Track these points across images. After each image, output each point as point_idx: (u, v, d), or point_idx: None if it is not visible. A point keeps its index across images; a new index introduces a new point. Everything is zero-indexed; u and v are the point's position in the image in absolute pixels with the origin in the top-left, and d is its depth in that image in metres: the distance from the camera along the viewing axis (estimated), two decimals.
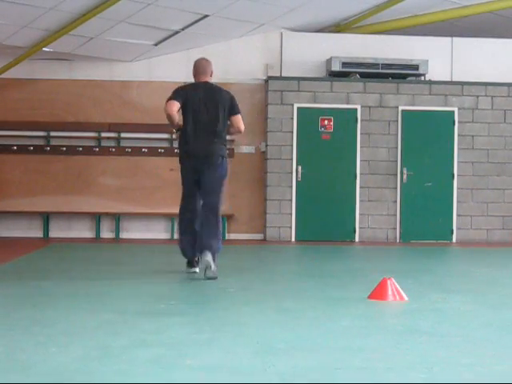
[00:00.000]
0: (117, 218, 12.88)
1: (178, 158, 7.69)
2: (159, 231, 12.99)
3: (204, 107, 7.47)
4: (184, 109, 7.53)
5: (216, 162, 7.40)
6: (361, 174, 12.85)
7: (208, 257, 7.11)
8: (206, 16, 11.50)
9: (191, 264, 7.50)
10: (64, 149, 12.93)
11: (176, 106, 7.50)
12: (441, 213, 12.96)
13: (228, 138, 12.10)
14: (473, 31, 13.48)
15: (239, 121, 7.51)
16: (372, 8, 12.32)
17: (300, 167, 12.74)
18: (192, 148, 7.46)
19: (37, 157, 12.93)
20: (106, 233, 13.01)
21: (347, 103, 12.83)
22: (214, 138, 7.42)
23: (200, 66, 7.64)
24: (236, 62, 13.07)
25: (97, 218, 12.87)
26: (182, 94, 7.56)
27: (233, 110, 7.49)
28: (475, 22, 13.11)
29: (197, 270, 7.44)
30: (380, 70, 12.79)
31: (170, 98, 7.52)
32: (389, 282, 5.95)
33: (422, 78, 13.00)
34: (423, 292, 6.51)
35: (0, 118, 12.87)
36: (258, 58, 13.11)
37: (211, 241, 7.24)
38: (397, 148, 12.89)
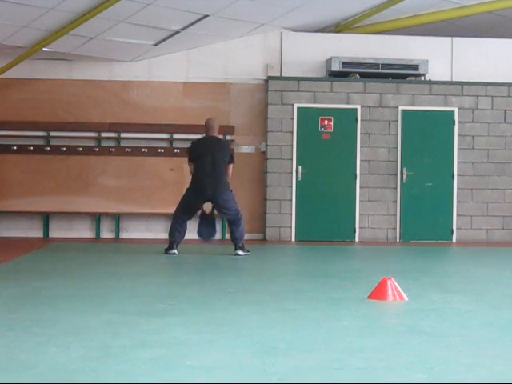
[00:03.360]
0: (117, 217, 12.89)
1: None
2: (159, 231, 12.99)
3: (212, 155, 9.84)
4: (196, 157, 9.96)
5: (222, 191, 9.81)
6: (361, 174, 12.85)
7: (240, 253, 9.75)
8: (206, 16, 11.50)
9: (171, 247, 9.81)
10: (64, 149, 12.93)
11: (193, 166, 10.04)
12: (441, 213, 12.96)
13: (228, 137, 12.85)
14: (473, 31, 13.48)
15: (230, 168, 10.00)
16: (372, 8, 12.32)
17: (300, 167, 12.74)
18: (203, 181, 9.79)
19: (37, 157, 12.92)
20: (106, 233, 13.01)
21: (347, 103, 12.83)
22: (219, 175, 9.80)
23: (209, 125, 10.09)
24: (236, 62, 13.07)
25: (97, 218, 12.88)
26: (194, 150, 10.03)
27: (230, 158, 10.02)
28: (475, 22, 13.11)
29: (175, 251, 9.76)
30: (380, 70, 12.79)
31: (189, 159, 10.07)
32: (389, 282, 5.95)
33: (422, 77, 13.00)
34: (423, 292, 6.51)
35: (0, 118, 12.87)
36: (257, 57, 13.11)
37: (239, 241, 9.82)
38: (397, 148, 12.89)
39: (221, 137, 10.54)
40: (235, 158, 12.85)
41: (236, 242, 9.81)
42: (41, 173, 12.94)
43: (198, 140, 10.21)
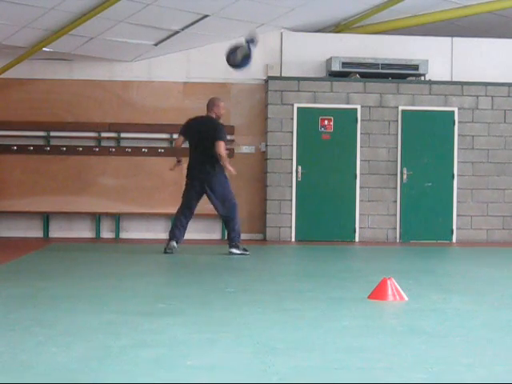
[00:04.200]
0: (117, 217, 12.89)
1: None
2: (159, 231, 12.99)
3: (199, 137, 9.59)
4: (188, 141, 9.78)
5: (211, 179, 9.52)
6: (361, 174, 12.85)
7: (234, 252, 9.65)
8: (206, 16, 11.50)
9: (170, 239, 9.68)
10: (64, 149, 12.94)
11: (180, 140, 9.83)
12: (441, 213, 12.97)
13: (228, 137, 12.70)
14: (473, 31, 13.48)
15: (218, 146, 9.42)
16: (372, 8, 12.32)
17: (300, 167, 12.75)
18: (193, 172, 9.62)
19: (37, 157, 12.93)
20: (106, 233, 13.01)
21: (347, 103, 12.84)
22: (207, 161, 9.50)
23: (208, 103, 9.84)
24: None
25: (97, 218, 12.88)
26: (185, 127, 9.81)
27: (214, 137, 9.47)
28: (475, 22, 13.11)
29: (174, 244, 9.60)
30: (380, 70, 12.79)
31: (179, 133, 9.84)
32: (389, 282, 5.94)
33: (422, 77, 13.01)
34: (423, 292, 6.51)
35: (0, 118, 12.87)
36: (258, 58, 13.08)
37: (235, 240, 9.67)
38: (397, 148, 12.90)
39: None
40: (235, 154, 12.95)
41: (231, 241, 9.73)
42: (41, 173, 12.95)
43: (190, 119, 9.94)
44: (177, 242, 9.71)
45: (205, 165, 9.55)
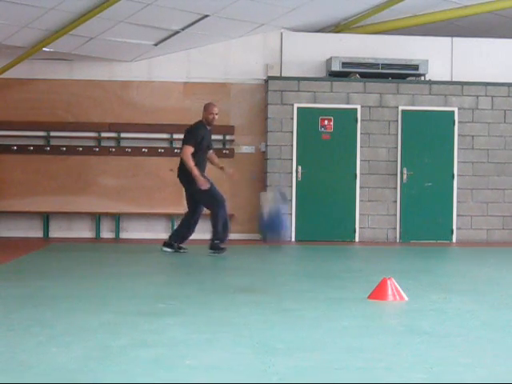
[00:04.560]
0: (117, 217, 12.88)
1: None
2: (159, 231, 12.98)
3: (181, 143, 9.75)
4: None
5: (189, 184, 9.45)
6: (361, 174, 12.85)
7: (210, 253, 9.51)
8: (206, 16, 11.50)
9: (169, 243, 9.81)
10: (64, 149, 12.93)
11: None
12: (441, 213, 12.96)
13: (228, 137, 12.86)
14: (473, 31, 13.49)
15: (182, 151, 9.45)
16: (372, 8, 12.32)
17: (300, 167, 12.74)
18: (179, 176, 9.70)
19: (37, 157, 12.92)
20: (106, 233, 13.00)
21: (347, 103, 12.83)
22: (184, 166, 9.46)
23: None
24: (236, 62, 13.07)
25: (97, 218, 12.87)
26: None
27: (183, 139, 9.58)
28: (475, 22, 13.11)
29: (166, 249, 9.70)
30: (380, 70, 12.79)
31: None
32: (389, 282, 5.95)
33: (422, 78, 13.01)
34: (423, 292, 6.51)
35: (0, 118, 12.87)
36: (257, 58, 13.11)
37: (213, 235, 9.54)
38: (397, 148, 12.89)
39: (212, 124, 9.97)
40: (235, 154, 12.96)
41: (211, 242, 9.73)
42: (41, 173, 12.94)
43: None
44: (171, 241, 9.81)
45: (183, 170, 9.58)
